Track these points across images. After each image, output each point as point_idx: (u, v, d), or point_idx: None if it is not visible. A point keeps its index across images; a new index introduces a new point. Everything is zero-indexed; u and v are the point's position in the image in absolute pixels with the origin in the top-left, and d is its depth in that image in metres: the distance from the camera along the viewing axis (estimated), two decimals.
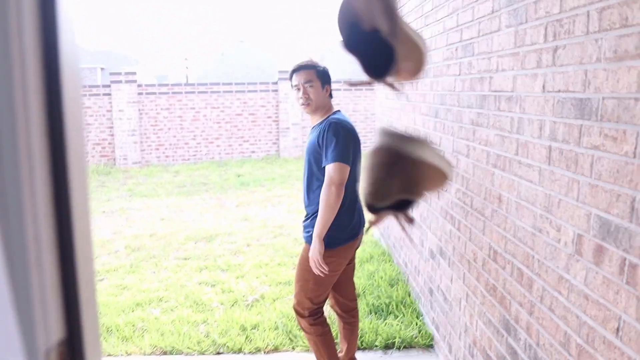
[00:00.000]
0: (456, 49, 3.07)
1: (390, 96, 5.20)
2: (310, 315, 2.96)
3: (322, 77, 2.92)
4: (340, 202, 2.74)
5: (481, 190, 2.68)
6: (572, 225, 1.79)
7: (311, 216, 2.90)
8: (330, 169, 2.73)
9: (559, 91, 1.88)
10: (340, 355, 3.21)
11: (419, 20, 3.94)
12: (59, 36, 0.60)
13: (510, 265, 2.33)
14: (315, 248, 2.76)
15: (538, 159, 2.05)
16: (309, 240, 2.86)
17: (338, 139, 2.74)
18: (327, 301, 3.10)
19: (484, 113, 2.63)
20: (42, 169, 0.59)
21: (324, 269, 2.76)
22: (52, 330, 0.57)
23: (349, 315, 3.20)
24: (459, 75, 3.02)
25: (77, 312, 0.59)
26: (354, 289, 3.27)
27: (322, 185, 2.78)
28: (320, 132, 2.81)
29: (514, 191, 2.28)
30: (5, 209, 0.55)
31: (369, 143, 13.65)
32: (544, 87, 1.99)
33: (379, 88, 5.89)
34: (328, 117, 2.87)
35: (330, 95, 2.98)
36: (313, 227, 2.81)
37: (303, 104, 2.91)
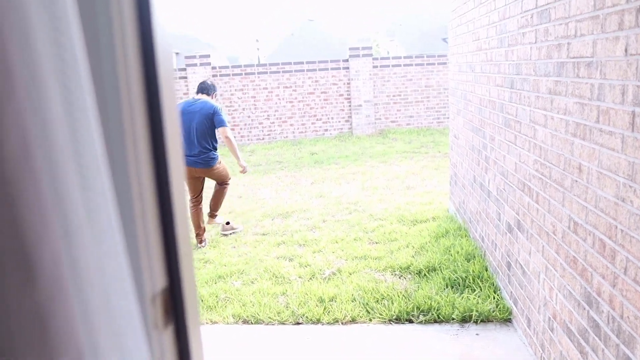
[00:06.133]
0: (531, 16, 2.97)
1: (463, 69, 5.09)
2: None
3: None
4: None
5: (560, 160, 2.61)
6: None
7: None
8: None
9: None
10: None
11: None
12: (154, 24, 0.66)
13: (591, 236, 2.27)
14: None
15: (620, 125, 1.98)
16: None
17: None
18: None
19: (562, 81, 2.54)
20: (145, 144, 0.66)
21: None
22: (157, 279, 0.64)
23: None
24: (535, 43, 2.93)
25: (177, 264, 0.66)
26: None
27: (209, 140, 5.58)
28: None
29: (594, 160, 2.21)
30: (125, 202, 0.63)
31: (442, 118, 13.39)
32: (626, 50, 1.91)
33: (452, 61, 5.76)
34: None
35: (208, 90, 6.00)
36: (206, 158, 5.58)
37: None
